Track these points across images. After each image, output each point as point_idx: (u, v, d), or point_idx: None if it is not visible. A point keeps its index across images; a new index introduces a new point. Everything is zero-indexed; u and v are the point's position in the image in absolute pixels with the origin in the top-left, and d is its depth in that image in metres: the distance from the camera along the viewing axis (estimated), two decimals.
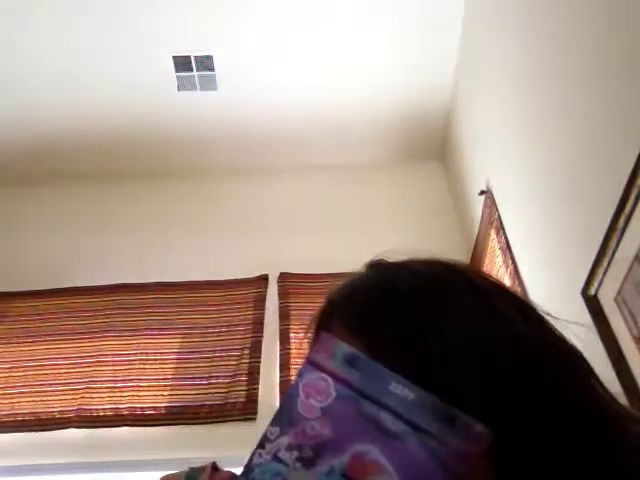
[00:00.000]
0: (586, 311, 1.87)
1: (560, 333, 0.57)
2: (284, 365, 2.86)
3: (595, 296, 1.87)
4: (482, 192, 2.96)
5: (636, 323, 1.66)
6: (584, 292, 1.91)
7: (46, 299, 3.17)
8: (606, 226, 1.75)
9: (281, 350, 2.92)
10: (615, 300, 1.76)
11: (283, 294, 3.15)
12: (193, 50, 3.20)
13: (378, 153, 3.69)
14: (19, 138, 3.54)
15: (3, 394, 2.84)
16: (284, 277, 3.22)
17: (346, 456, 0.45)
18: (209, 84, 3.35)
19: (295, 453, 0.46)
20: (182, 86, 3.35)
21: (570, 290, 1.98)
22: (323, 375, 0.49)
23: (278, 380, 2.82)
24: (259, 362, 2.89)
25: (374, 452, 0.45)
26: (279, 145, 3.64)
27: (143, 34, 3.14)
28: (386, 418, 0.45)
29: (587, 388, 0.52)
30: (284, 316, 3.05)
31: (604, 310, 1.81)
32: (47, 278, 3.23)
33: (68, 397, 2.80)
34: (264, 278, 3.22)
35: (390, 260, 0.61)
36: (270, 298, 3.15)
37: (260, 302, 3.13)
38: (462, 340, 0.49)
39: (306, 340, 0.60)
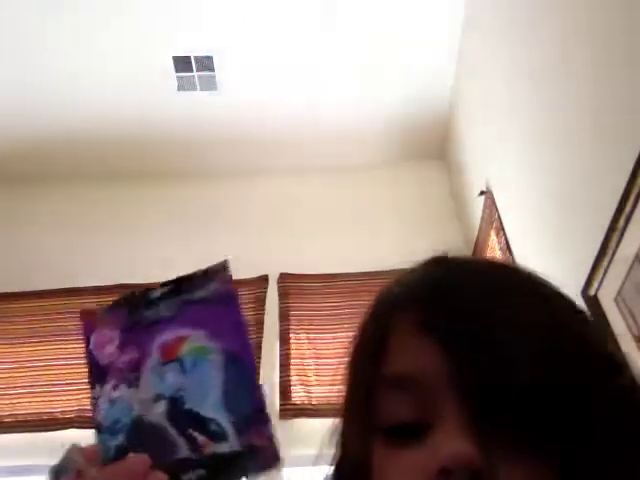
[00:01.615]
0: (586, 311, 1.86)
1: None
2: (284, 365, 2.86)
3: (595, 296, 1.87)
4: (482, 192, 2.96)
5: (636, 323, 1.66)
6: (584, 292, 1.90)
7: (48, 299, 3.16)
8: (606, 226, 1.75)
9: (281, 350, 2.92)
10: (615, 300, 1.76)
11: (283, 294, 3.15)
12: (193, 50, 3.20)
13: (378, 153, 3.69)
14: (17, 137, 3.54)
15: (4, 394, 2.84)
16: (284, 277, 3.21)
17: (155, 351, 0.55)
18: (209, 84, 3.34)
19: (123, 386, 0.55)
20: (182, 86, 3.35)
21: (570, 290, 1.98)
22: (103, 331, 0.60)
23: (278, 380, 2.82)
24: (259, 363, 2.89)
25: (169, 335, 0.55)
26: (279, 145, 3.64)
27: (143, 34, 3.14)
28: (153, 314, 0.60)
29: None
30: (284, 316, 3.05)
31: (604, 310, 1.81)
32: (49, 278, 3.23)
33: (69, 397, 2.80)
34: (264, 278, 3.22)
35: (454, 256, 0.59)
36: (270, 298, 3.15)
37: (260, 302, 3.12)
38: (525, 343, 0.48)
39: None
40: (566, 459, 0.46)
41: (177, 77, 3.30)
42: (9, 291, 3.19)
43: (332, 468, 0.59)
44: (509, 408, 0.46)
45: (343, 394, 0.60)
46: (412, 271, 0.58)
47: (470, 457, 0.45)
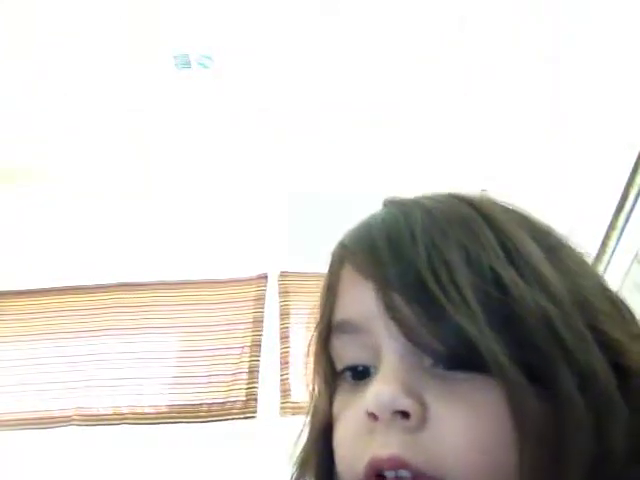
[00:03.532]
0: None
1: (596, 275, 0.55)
2: (284, 364, 2.87)
3: None
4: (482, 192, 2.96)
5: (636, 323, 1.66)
6: None
7: (46, 297, 3.17)
8: (606, 225, 1.76)
9: (281, 349, 2.92)
10: None
11: (283, 293, 3.15)
12: (193, 49, 3.20)
13: (377, 153, 3.69)
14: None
15: (3, 392, 2.84)
16: (284, 276, 3.22)
17: None
18: (208, 82, 3.35)
19: None
20: (181, 84, 3.35)
21: None
22: None
23: (278, 379, 2.82)
24: (259, 361, 2.89)
25: None
26: (278, 143, 3.64)
27: (143, 33, 3.14)
28: None
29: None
30: (284, 315, 3.06)
31: None
32: (46, 276, 3.23)
33: (68, 395, 2.80)
34: (264, 277, 3.23)
35: (404, 197, 0.57)
36: (270, 297, 3.15)
37: (260, 301, 3.13)
38: (477, 279, 0.47)
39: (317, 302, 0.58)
40: (509, 394, 0.44)
41: (177, 76, 3.30)
42: (3, 289, 3.19)
43: (305, 432, 0.59)
44: (438, 348, 0.46)
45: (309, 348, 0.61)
46: (367, 216, 0.57)
47: (389, 398, 0.45)
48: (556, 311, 0.46)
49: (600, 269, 1.84)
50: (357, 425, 0.48)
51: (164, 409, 2.77)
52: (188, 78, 3.33)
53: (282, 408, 2.74)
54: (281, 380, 2.81)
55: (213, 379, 2.84)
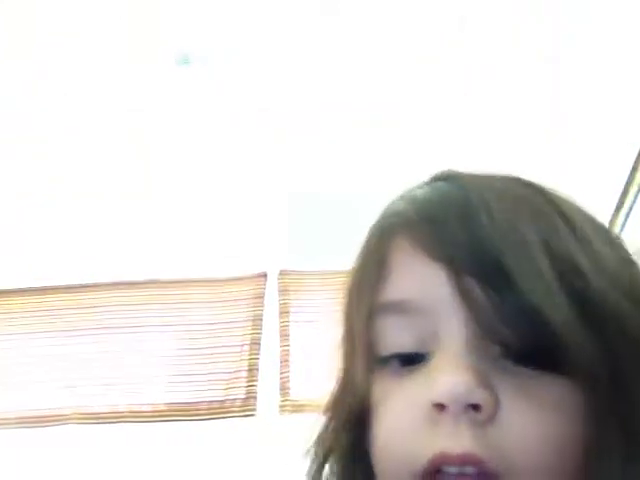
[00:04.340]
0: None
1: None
2: (283, 362, 2.87)
3: None
4: None
5: None
6: None
7: (45, 296, 3.17)
8: (606, 223, 1.76)
9: (280, 347, 2.93)
10: None
11: (283, 291, 3.16)
12: (193, 49, 3.21)
13: (377, 153, 3.69)
14: None
15: (1, 391, 2.84)
16: (284, 274, 3.22)
17: None
18: (209, 82, 3.35)
19: None
20: (181, 84, 3.35)
21: None
22: None
23: (278, 377, 2.83)
24: (258, 359, 2.90)
25: None
26: (278, 143, 3.64)
27: (143, 33, 3.14)
28: None
29: None
30: (283, 313, 3.06)
31: None
32: (46, 276, 3.23)
33: (67, 394, 2.80)
34: (264, 275, 3.23)
35: (465, 173, 0.52)
36: (269, 295, 3.16)
37: (259, 299, 3.13)
38: (558, 267, 0.44)
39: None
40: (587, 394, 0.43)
41: (177, 76, 3.30)
42: (3, 288, 3.19)
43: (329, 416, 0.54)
44: (519, 339, 0.43)
45: (342, 329, 0.55)
46: (419, 187, 0.52)
47: (466, 390, 0.42)
48: (630, 308, 0.45)
49: None
50: (414, 415, 0.44)
51: (163, 407, 2.77)
52: (188, 78, 3.33)
53: (281, 406, 2.74)
54: (280, 378, 2.82)
55: (213, 377, 2.84)
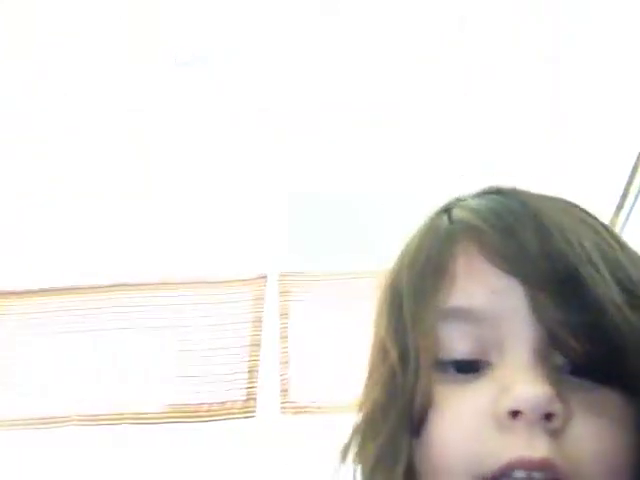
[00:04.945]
0: None
1: None
2: (283, 364, 2.87)
3: None
4: None
5: None
6: None
7: (45, 298, 3.17)
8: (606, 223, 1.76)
9: (280, 349, 2.93)
10: None
11: (283, 293, 3.16)
12: (193, 49, 3.20)
13: (377, 153, 3.69)
14: None
15: (2, 392, 2.84)
16: (284, 276, 3.22)
17: None
18: (208, 82, 3.34)
19: None
20: (181, 84, 3.35)
21: None
22: None
23: (278, 378, 2.83)
24: (258, 360, 2.90)
25: None
26: (278, 143, 3.64)
27: (143, 33, 3.14)
28: None
29: None
30: (283, 315, 3.06)
31: None
32: (46, 277, 3.23)
33: (67, 396, 2.80)
34: (264, 277, 3.23)
35: (524, 190, 0.55)
36: (270, 297, 3.15)
37: (260, 301, 3.13)
38: (622, 284, 0.47)
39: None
40: None
41: (177, 77, 3.30)
42: (3, 289, 3.19)
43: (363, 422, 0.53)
44: (586, 351, 0.45)
45: (383, 332, 0.53)
46: (471, 198, 0.54)
47: (546, 399, 0.44)
48: None
49: None
50: (482, 421, 0.45)
51: (164, 409, 2.77)
52: (188, 78, 3.33)
53: (282, 408, 2.74)
54: (280, 380, 2.81)
55: (213, 379, 2.84)
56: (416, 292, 0.51)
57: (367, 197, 3.55)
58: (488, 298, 0.47)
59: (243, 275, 3.23)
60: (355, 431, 0.53)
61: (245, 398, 2.77)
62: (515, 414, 0.44)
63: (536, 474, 0.43)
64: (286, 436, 2.60)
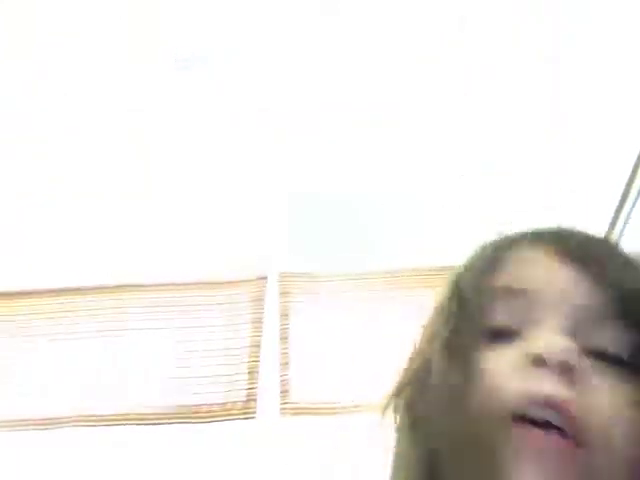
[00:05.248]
0: None
1: None
2: (284, 365, 2.86)
3: None
4: None
5: None
6: None
7: (46, 298, 3.17)
8: (606, 225, 1.76)
9: (281, 349, 2.92)
10: None
11: (283, 293, 3.15)
12: (193, 49, 3.20)
13: (377, 153, 3.69)
14: None
15: (3, 394, 2.84)
16: (284, 277, 3.22)
17: None
18: (208, 82, 3.34)
19: None
20: (182, 86, 3.34)
21: None
22: None
23: (278, 379, 2.82)
24: (259, 361, 2.89)
25: None
26: (278, 143, 3.64)
27: (143, 33, 3.14)
28: None
29: None
30: (284, 316, 3.06)
31: None
32: (46, 277, 3.23)
33: (68, 397, 2.80)
34: (264, 277, 3.22)
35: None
36: (270, 298, 3.15)
37: (260, 302, 3.13)
38: None
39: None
40: None
41: (177, 77, 3.30)
42: (3, 290, 3.18)
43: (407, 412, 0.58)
44: (611, 341, 0.51)
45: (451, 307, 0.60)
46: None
47: (567, 349, 0.48)
48: None
49: None
50: (514, 366, 0.50)
51: (164, 410, 2.77)
52: (188, 78, 3.33)
53: (282, 409, 2.73)
54: (281, 381, 2.81)
55: (213, 380, 2.84)
56: (474, 277, 0.59)
57: (367, 197, 3.55)
58: (533, 278, 0.55)
59: (243, 276, 3.23)
60: (404, 383, 0.59)
61: (245, 399, 2.77)
62: (540, 362, 0.48)
63: (554, 414, 0.47)
64: (287, 437, 2.60)
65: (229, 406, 2.76)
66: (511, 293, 0.54)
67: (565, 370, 0.48)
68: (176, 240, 3.40)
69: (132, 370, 2.89)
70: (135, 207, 3.57)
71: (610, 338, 0.51)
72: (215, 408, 2.75)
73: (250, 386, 2.81)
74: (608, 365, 0.50)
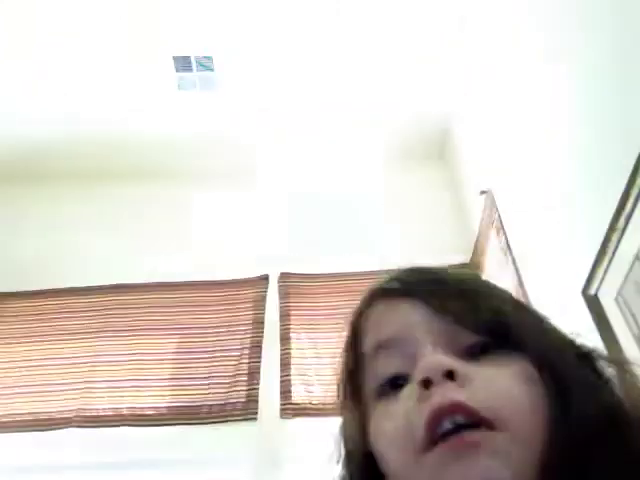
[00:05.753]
0: (586, 311, 1.87)
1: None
2: (284, 365, 2.86)
3: (595, 296, 1.86)
4: (482, 192, 2.96)
5: (636, 323, 1.66)
6: (584, 292, 1.90)
7: (44, 299, 3.16)
8: (606, 225, 1.75)
9: (282, 350, 2.92)
10: (616, 300, 1.76)
11: (284, 294, 3.15)
12: (193, 50, 3.20)
13: (377, 153, 3.69)
14: (15, 137, 3.54)
15: (1, 394, 2.84)
16: (285, 277, 3.21)
17: None
18: (209, 84, 3.34)
19: None
20: (182, 86, 3.35)
21: (570, 290, 1.98)
22: None
23: (279, 380, 2.82)
24: (259, 362, 2.89)
25: None
26: (278, 143, 3.64)
27: (143, 34, 3.14)
28: None
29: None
30: (285, 316, 3.05)
31: (604, 310, 1.81)
32: (45, 278, 3.22)
33: (67, 397, 2.80)
34: (264, 278, 3.22)
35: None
36: (270, 298, 3.15)
37: (260, 302, 3.12)
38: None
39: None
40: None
41: (177, 77, 3.30)
42: (1, 291, 3.18)
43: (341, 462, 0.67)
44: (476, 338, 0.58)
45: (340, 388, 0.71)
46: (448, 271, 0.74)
47: (442, 361, 0.54)
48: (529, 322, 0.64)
49: (600, 271, 1.83)
50: (406, 404, 0.55)
51: (164, 410, 2.76)
52: (188, 78, 3.33)
53: (283, 410, 2.73)
54: (282, 382, 2.81)
55: (213, 380, 2.83)
56: (349, 348, 0.72)
57: (367, 197, 3.55)
58: (401, 322, 0.62)
59: (244, 276, 3.22)
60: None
61: (246, 400, 2.76)
62: (426, 384, 0.54)
63: (458, 417, 0.51)
64: (287, 438, 2.60)
65: (230, 407, 2.75)
66: (383, 347, 0.61)
67: (448, 377, 0.53)
68: (176, 240, 3.40)
69: (132, 370, 2.89)
70: (135, 207, 3.57)
71: (469, 334, 0.57)
72: (216, 409, 2.75)
73: (251, 387, 2.81)
74: (487, 355, 0.56)
